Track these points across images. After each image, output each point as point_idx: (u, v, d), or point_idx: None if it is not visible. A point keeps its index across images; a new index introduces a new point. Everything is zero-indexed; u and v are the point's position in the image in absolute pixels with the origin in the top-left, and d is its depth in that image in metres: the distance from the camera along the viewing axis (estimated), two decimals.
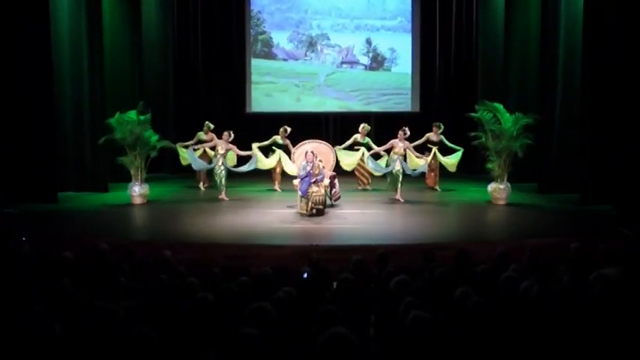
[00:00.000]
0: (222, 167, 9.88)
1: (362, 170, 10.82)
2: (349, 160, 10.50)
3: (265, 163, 10.50)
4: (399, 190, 9.80)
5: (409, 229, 8.18)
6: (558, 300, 4.11)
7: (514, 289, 4.40)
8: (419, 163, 10.17)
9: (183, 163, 10.70)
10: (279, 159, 10.55)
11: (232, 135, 10.06)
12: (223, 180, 9.87)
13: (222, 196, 9.92)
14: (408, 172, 9.82)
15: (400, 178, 9.75)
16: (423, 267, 5.35)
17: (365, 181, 10.90)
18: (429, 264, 5.40)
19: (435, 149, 10.62)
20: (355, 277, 4.68)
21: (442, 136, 10.68)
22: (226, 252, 6.95)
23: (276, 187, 10.76)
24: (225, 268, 5.28)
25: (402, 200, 9.73)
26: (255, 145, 10.35)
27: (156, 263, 5.53)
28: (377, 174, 10.26)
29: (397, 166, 9.75)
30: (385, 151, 10.22)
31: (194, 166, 10.21)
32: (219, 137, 10.17)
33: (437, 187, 10.86)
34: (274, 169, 10.72)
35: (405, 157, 9.94)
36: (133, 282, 4.69)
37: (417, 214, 9.03)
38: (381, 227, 8.18)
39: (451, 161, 10.63)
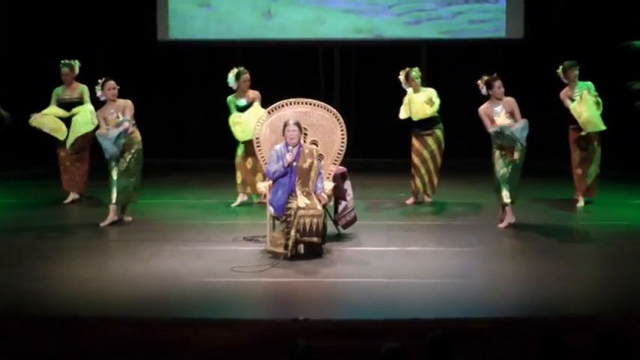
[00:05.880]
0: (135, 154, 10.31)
1: (427, 161, 11.09)
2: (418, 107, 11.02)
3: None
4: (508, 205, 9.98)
5: (499, 287, 8.27)
6: None
7: None
8: None
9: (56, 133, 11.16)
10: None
11: (116, 87, 10.33)
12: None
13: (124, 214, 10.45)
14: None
15: (514, 176, 9.87)
16: None
17: (429, 188, 11.18)
18: (546, 359, 5.41)
19: (584, 94, 10.61)
20: None
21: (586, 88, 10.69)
22: (123, 334, 6.95)
23: (242, 197, 11.26)
24: None
25: (512, 221, 9.96)
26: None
27: None
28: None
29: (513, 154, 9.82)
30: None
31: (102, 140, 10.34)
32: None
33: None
34: (242, 161, 11.08)
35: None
36: None
37: (516, 257, 9.16)
38: (440, 284, 8.24)
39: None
